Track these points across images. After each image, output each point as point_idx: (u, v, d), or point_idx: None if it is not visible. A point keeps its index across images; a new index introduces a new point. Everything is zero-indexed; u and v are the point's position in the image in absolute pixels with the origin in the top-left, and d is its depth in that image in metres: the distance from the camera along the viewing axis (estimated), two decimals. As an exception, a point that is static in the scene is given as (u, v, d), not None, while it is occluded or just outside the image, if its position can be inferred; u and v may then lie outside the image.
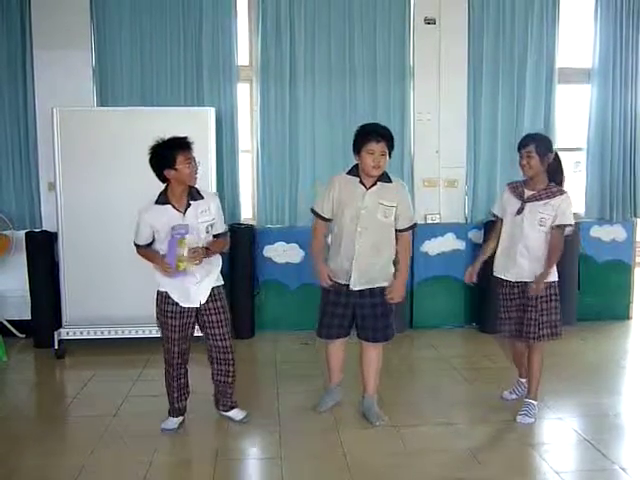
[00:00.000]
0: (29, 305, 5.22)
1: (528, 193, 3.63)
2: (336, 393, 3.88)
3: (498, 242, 3.78)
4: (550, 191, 3.58)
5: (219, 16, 5.40)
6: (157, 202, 3.33)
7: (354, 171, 3.53)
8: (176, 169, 3.23)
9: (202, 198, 3.37)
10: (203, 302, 3.42)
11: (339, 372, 3.86)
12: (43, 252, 5.16)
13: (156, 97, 5.39)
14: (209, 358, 3.57)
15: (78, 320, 5.03)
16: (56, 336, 4.93)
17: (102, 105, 5.35)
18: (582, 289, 5.67)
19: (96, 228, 4.95)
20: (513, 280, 3.67)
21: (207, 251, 3.35)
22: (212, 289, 3.44)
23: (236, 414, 3.66)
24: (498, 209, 3.84)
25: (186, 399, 3.60)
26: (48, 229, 5.29)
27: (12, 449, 3.36)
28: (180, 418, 3.58)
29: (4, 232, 5.33)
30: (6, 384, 4.51)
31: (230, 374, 3.57)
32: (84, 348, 5.04)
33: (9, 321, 5.43)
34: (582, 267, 5.70)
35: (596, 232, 5.93)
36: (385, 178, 3.50)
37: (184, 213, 3.31)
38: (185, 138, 3.31)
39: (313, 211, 3.65)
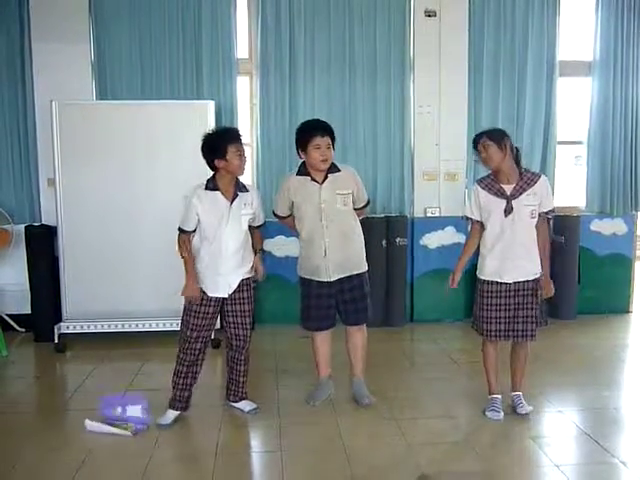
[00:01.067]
0: (29, 299, 5.22)
1: (509, 188, 3.41)
2: (327, 386, 3.88)
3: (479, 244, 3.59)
4: (528, 178, 3.43)
5: (219, 9, 5.38)
6: (207, 187, 3.41)
7: (302, 170, 3.63)
8: (226, 159, 3.33)
9: (247, 191, 3.50)
10: (230, 293, 3.49)
11: (328, 364, 3.88)
12: (43, 246, 5.16)
13: (155, 90, 5.38)
14: (227, 345, 3.65)
15: (78, 314, 5.03)
16: (56, 330, 4.93)
17: (101, 98, 5.34)
18: (582, 283, 5.67)
19: (96, 222, 4.95)
20: (511, 282, 3.47)
21: (258, 252, 3.65)
22: (242, 280, 3.52)
23: (245, 405, 3.69)
24: (475, 212, 3.54)
25: (190, 390, 3.55)
26: (48, 223, 5.28)
27: (12, 443, 3.35)
28: (177, 412, 3.52)
29: (4, 226, 5.32)
30: (6, 378, 4.51)
31: (243, 363, 3.65)
32: (84, 342, 5.05)
33: (9, 315, 5.44)
34: (582, 261, 5.69)
35: (596, 226, 5.93)
36: (334, 169, 3.61)
37: (231, 203, 3.41)
38: (237, 130, 3.49)
39: (276, 215, 3.83)
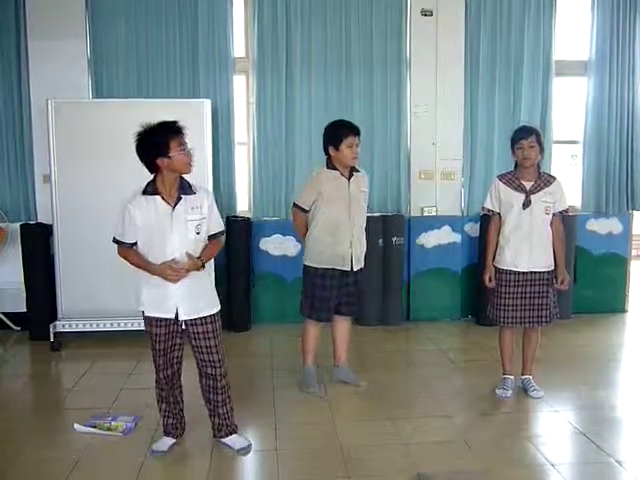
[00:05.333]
0: (24, 298, 5.20)
1: (528, 185, 3.72)
2: (315, 373, 4.07)
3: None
4: (545, 179, 3.76)
5: (215, 7, 5.37)
6: (145, 192, 2.96)
7: (330, 165, 3.85)
8: (170, 157, 2.87)
9: (194, 193, 2.99)
10: (183, 319, 3.00)
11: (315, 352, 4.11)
12: (38, 244, 5.14)
13: (152, 88, 5.37)
14: (199, 374, 3.19)
15: (74, 313, 5.01)
16: (52, 329, 4.92)
17: (98, 96, 5.34)
18: (578, 282, 5.68)
19: (91, 220, 4.91)
20: (526, 271, 3.73)
21: (198, 261, 2.98)
22: (202, 317, 3.03)
23: (235, 442, 3.21)
24: (494, 204, 3.83)
25: (174, 417, 3.24)
26: (43, 221, 5.27)
27: (7, 442, 3.34)
28: (172, 440, 3.24)
29: (-1, 224, 5.31)
30: (1, 377, 4.49)
31: (220, 392, 3.15)
32: (80, 341, 5.04)
33: (4, 313, 5.42)
34: (578, 260, 5.71)
35: (592, 225, 5.94)
36: (354, 169, 3.90)
37: (173, 207, 2.94)
38: (176, 122, 2.94)
39: (297, 206, 3.93)
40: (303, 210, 3.91)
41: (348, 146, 3.75)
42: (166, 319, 3.02)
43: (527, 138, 3.67)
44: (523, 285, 3.74)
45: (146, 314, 3.05)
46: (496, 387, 3.93)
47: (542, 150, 3.75)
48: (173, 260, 2.94)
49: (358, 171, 3.92)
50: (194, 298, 3.03)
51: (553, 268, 3.77)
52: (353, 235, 3.85)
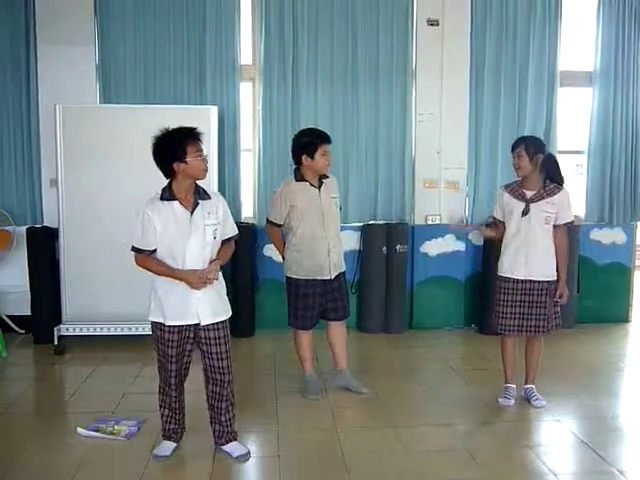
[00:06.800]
0: (29, 301, 5.23)
1: (530, 194, 3.75)
2: (318, 379, 4.13)
3: (501, 241, 3.90)
4: (549, 189, 3.75)
5: (223, 15, 5.41)
6: (162, 198, 2.97)
7: (299, 177, 3.87)
8: (186, 162, 2.91)
9: (209, 198, 3.05)
10: (204, 323, 3.05)
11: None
12: (44, 248, 5.17)
13: (159, 95, 5.40)
14: (205, 380, 3.20)
15: (78, 316, 5.04)
16: (56, 332, 4.94)
17: (105, 102, 5.38)
18: (582, 292, 5.68)
19: (97, 225, 4.96)
20: (522, 278, 3.76)
21: (218, 263, 3.06)
22: (216, 323, 3.08)
23: (234, 449, 3.20)
24: (499, 213, 3.93)
25: (177, 423, 3.26)
26: (49, 225, 5.30)
27: (11, 444, 3.36)
28: (174, 444, 3.25)
29: (5, 227, 5.34)
30: (5, 379, 4.51)
31: (225, 399, 3.16)
32: (84, 344, 5.05)
33: (9, 317, 5.44)
34: (582, 270, 5.71)
35: (596, 235, 5.95)
36: (323, 176, 3.91)
37: (192, 212, 2.98)
38: (195, 128, 2.99)
39: (270, 222, 3.97)
40: (277, 225, 3.95)
41: (322, 154, 3.79)
42: (182, 325, 3.04)
43: (515, 149, 3.77)
44: (522, 294, 3.76)
45: (167, 324, 3.04)
46: (498, 396, 3.94)
47: (537, 158, 3.70)
48: (197, 271, 2.98)
49: (327, 177, 3.93)
50: (213, 303, 3.09)
51: (554, 279, 3.76)
52: (329, 244, 3.89)
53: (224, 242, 3.14)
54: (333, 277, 3.94)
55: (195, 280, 2.96)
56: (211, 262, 3.05)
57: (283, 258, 4.06)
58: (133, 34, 5.37)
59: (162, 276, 3.02)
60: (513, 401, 3.91)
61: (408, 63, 5.65)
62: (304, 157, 3.80)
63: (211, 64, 5.43)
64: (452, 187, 5.81)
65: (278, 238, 4.03)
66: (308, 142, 3.80)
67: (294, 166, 3.94)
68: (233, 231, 3.19)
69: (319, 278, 3.90)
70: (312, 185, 3.85)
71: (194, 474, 3.14)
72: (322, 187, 3.87)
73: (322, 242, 3.86)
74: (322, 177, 3.89)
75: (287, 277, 4.00)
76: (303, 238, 3.87)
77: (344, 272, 4.09)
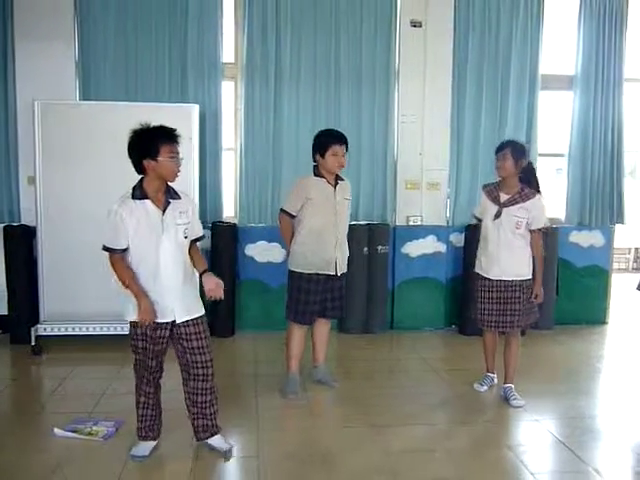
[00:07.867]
0: (6, 300, 5.15)
1: (504, 197, 3.85)
2: (298, 379, 4.13)
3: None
4: (524, 194, 3.82)
5: (205, 13, 5.38)
6: (134, 197, 2.95)
7: (317, 173, 3.99)
8: (157, 161, 2.89)
9: (179, 198, 3.05)
10: (179, 321, 3.05)
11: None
12: (21, 247, 5.10)
13: (140, 92, 5.35)
14: (183, 378, 3.18)
15: (56, 316, 4.97)
16: (33, 332, 4.87)
17: (85, 99, 5.30)
18: (560, 293, 5.73)
19: (76, 223, 4.89)
20: (494, 279, 3.89)
21: (206, 273, 3.17)
22: (191, 320, 3.08)
23: (219, 442, 3.24)
24: (479, 211, 4.05)
25: (156, 420, 3.24)
26: (27, 223, 5.22)
27: (-14, 445, 3.31)
28: (153, 443, 3.23)
29: (-18, 225, 5.25)
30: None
31: (208, 392, 3.16)
32: (62, 344, 4.99)
33: (-15, 316, 5.36)
34: (561, 272, 5.76)
35: (575, 237, 6.00)
36: (339, 178, 4.03)
37: (163, 212, 2.97)
38: (173, 130, 2.97)
39: (283, 211, 4.03)
40: (290, 215, 4.00)
41: (333, 154, 3.89)
42: (160, 323, 3.04)
43: (501, 151, 3.84)
44: (497, 291, 3.89)
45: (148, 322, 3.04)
46: (475, 382, 4.19)
47: (520, 163, 3.79)
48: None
49: (342, 179, 4.05)
50: (186, 301, 3.10)
51: (529, 277, 3.87)
52: (337, 240, 3.97)
53: (192, 244, 3.16)
54: (339, 274, 4.02)
55: (145, 312, 2.94)
56: (201, 274, 3.16)
57: (288, 252, 4.10)
58: (114, 30, 5.31)
59: (122, 284, 3.00)
60: (485, 388, 4.15)
61: (391, 64, 5.65)
62: (317, 156, 3.95)
63: (193, 62, 5.39)
64: (434, 188, 5.83)
65: (288, 229, 4.05)
66: (321, 141, 3.95)
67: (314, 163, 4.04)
68: (200, 232, 3.23)
69: (324, 273, 3.96)
70: (329, 182, 3.96)
71: (172, 474, 3.11)
72: (337, 187, 3.99)
73: (331, 236, 3.95)
74: (338, 178, 4.00)
75: (291, 271, 4.03)
76: (312, 231, 3.93)
77: (346, 274, 4.15)
